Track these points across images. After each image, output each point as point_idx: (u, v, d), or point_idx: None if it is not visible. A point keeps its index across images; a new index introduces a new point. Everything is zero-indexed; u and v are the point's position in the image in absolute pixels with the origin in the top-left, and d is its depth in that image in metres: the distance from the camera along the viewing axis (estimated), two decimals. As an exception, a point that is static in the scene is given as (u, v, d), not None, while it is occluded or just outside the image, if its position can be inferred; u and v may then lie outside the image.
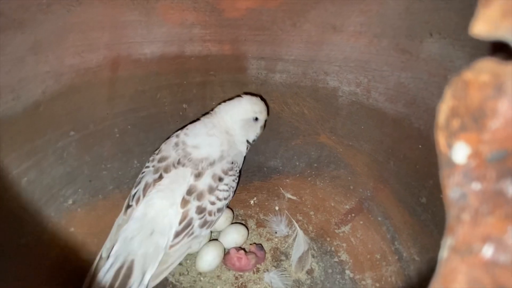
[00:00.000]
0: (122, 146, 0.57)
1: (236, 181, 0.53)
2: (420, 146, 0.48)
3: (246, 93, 0.57)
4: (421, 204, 0.48)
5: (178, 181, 0.47)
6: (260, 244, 0.56)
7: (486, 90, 0.14)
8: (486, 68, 0.15)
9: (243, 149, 0.55)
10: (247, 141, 0.55)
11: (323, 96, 0.57)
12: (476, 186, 0.15)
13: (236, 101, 0.54)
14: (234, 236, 0.54)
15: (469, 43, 0.37)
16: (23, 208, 0.43)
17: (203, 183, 0.47)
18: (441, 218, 0.45)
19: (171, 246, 0.44)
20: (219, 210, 0.49)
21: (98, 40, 0.45)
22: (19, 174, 0.43)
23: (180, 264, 0.53)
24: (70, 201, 0.50)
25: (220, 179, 0.49)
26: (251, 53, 0.56)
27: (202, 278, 0.52)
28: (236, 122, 0.53)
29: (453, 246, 0.15)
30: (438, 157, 0.16)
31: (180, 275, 0.52)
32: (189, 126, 0.54)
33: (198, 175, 0.47)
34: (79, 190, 0.51)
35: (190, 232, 0.45)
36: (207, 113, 0.57)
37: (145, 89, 0.55)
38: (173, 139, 0.52)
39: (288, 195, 0.62)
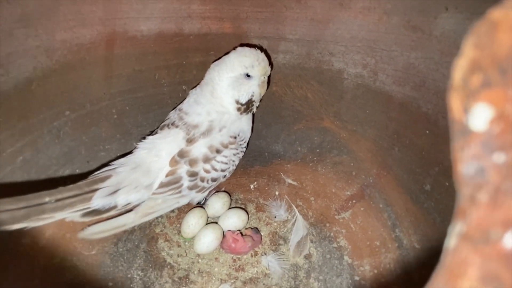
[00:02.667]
0: (120, 128, 0.56)
1: (239, 155, 0.51)
2: (427, 131, 0.46)
3: (243, 45, 0.49)
4: (425, 192, 0.47)
5: (166, 138, 0.47)
6: (256, 227, 0.55)
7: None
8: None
9: (233, 112, 0.48)
10: (237, 102, 0.47)
11: (327, 79, 0.55)
12: (498, 157, 0.12)
13: (225, 56, 0.48)
14: (233, 220, 0.54)
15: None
16: (18, 187, 0.43)
17: (198, 151, 0.46)
18: (445, 206, 0.43)
19: (154, 193, 0.45)
20: (214, 179, 0.49)
21: (91, 15, 0.43)
22: (13, 153, 0.42)
23: (178, 246, 0.53)
24: (68, 182, 0.50)
25: (218, 151, 0.47)
26: (253, 31, 0.53)
27: (200, 260, 0.52)
28: (222, 80, 0.46)
29: (464, 232, 0.12)
30: (450, 126, 0.13)
31: (178, 256, 0.52)
32: (193, 90, 0.52)
33: (190, 141, 0.46)
34: (77, 170, 0.51)
35: (178, 190, 0.46)
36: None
37: (143, 69, 0.53)
38: (179, 105, 0.51)
39: (289, 181, 0.61)
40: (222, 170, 0.49)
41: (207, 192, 0.52)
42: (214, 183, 0.49)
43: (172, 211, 0.56)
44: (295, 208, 0.57)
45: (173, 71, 0.56)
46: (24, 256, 0.42)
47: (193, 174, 0.46)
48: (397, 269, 0.46)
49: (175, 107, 0.52)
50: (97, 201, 0.41)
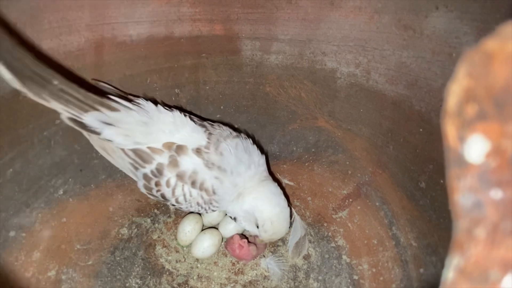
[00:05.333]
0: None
1: (202, 209, 0.47)
2: (420, 129, 0.46)
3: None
4: (420, 189, 0.47)
5: (192, 132, 0.44)
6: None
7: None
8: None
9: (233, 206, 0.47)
10: (232, 218, 0.49)
11: (320, 78, 0.55)
12: (496, 194, 0.11)
13: (271, 207, 0.46)
14: (234, 225, 0.53)
15: (479, 16, 0.34)
16: (9, 200, 0.42)
17: (187, 164, 0.43)
18: (440, 204, 0.44)
19: (125, 150, 0.43)
20: (163, 196, 0.45)
21: (77, 21, 0.42)
22: (2, 165, 0.41)
23: (176, 251, 0.53)
24: (60, 191, 0.49)
25: (194, 184, 0.44)
26: (245, 33, 0.53)
27: (199, 265, 0.52)
28: (244, 209, 0.46)
29: (461, 268, 0.12)
30: (445, 152, 0.13)
31: (177, 262, 0.52)
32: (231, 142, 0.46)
33: (198, 151, 0.44)
34: (70, 179, 0.50)
35: (136, 167, 0.44)
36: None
37: (134, 74, 0.52)
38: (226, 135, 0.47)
39: (285, 181, 0.61)
40: (177, 200, 0.45)
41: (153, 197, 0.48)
42: (161, 198, 0.46)
43: (169, 216, 0.56)
44: (292, 208, 0.57)
45: (165, 75, 0.55)
46: (18, 270, 0.41)
47: (155, 175, 0.43)
48: (395, 267, 0.46)
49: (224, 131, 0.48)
50: (89, 118, 0.40)
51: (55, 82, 0.37)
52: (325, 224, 0.56)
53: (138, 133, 0.43)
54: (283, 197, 0.48)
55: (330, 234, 0.54)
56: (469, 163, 0.12)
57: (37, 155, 0.46)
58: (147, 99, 0.47)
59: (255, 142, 0.51)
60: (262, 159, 0.49)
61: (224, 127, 0.49)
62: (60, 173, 0.49)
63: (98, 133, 0.42)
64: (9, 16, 0.36)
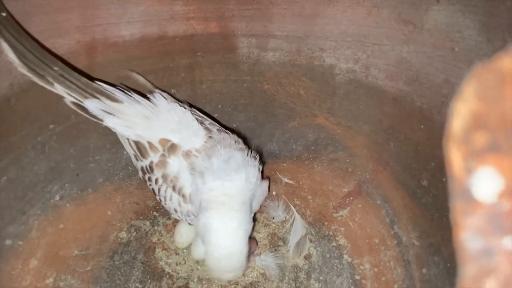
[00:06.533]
0: (109, 137, 0.54)
1: (175, 216, 0.45)
2: (422, 126, 0.45)
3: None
4: (422, 187, 0.46)
5: (194, 133, 0.42)
6: (254, 237, 0.54)
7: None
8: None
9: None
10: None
11: (319, 75, 0.54)
12: (510, 243, 0.10)
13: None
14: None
15: (481, 10, 0.33)
16: (4, 208, 0.42)
17: (175, 170, 0.41)
18: (443, 202, 0.43)
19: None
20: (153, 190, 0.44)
21: (67, 23, 0.41)
22: (-4, 173, 0.40)
23: (176, 254, 0.52)
24: (57, 197, 0.49)
25: (174, 188, 0.42)
26: (240, 30, 0.51)
27: (199, 267, 0.51)
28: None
29: None
30: (449, 181, 0.11)
31: (177, 264, 0.51)
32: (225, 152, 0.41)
33: (187, 155, 0.42)
34: (66, 185, 0.49)
35: (135, 159, 0.44)
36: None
37: (128, 75, 0.51)
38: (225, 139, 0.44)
39: (285, 180, 0.61)
40: (160, 199, 0.44)
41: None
42: (153, 193, 0.45)
43: (168, 218, 0.56)
44: (292, 207, 0.57)
45: (160, 75, 0.54)
46: (15, 279, 0.41)
47: (148, 171, 0.43)
48: (397, 267, 0.45)
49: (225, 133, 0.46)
50: (90, 105, 0.41)
51: (55, 68, 0.39)
52: (326, 223, 0.55)
53: (139, 126, 0.43)
54: (241, 236, 0.40)
55: (331, 233, 0.54)
56: (478, 201, 0.10)
57: (32, 161, 0.45)
58: (163, 94, 0.47)
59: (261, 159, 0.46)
60: (250, 185, 0.41)
61: (232, 136, 0.46)
62: (56, 178, 0.48)
63: (100, 120, 0.42)
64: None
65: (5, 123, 0.41)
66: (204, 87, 0.56)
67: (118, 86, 0.44)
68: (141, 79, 0.51)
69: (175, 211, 0.44)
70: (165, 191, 0.43)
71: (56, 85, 0.39)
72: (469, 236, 0.10)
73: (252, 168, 0.42)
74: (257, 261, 0.51)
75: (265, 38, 0.52)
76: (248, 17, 0.50)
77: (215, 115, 0.59)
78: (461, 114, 0.10)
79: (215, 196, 0.39)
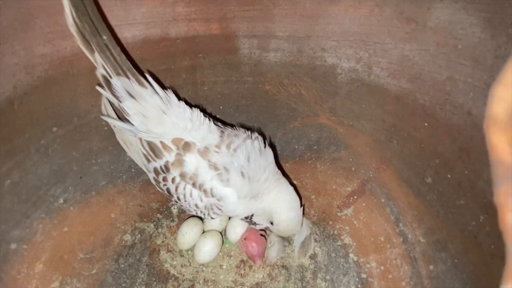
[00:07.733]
0: (112, 139, 0.54)
1: (206, 213, 0.46)
2: (425, 124, 0.45)
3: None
4: (426, 184, 0.46)
5: (208, 132, 0.44)
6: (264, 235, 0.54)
7: None
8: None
9: (239, 204, 0.45)
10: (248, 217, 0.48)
11: (321, 75, 0.54)
12: None
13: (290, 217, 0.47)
14: (240, 229, 0.52)
15: (485, 6, 0.33)
16: (8, 212, 0.41)
17: (191, 165, 0.43)
18: (448, 199, 0.43)
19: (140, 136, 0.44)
20: (169, 191, 0.45)
21: (70, 26, 0.41)
22: (0, 177, 0.40)
23: (181, 256, 0.52)
24: (61, 200, 0.48)
25: (194, 185, 0.43)
26: (242, 31, 0.52)
27: (204, 269, 0.51)
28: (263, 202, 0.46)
29: None
30: (493, 166, 0.11)
31: (182, 266, 0.51)
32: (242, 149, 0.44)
33: (203, 152, 0.43)
34: (70, 188, 0.49)
35: (147, 159, 0.44)
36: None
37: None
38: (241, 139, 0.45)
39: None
40: (178, 198, 0.45)
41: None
42: (167, 193, 0.46)
43: (172, 220, 0.55)
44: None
45: (162, 76, 0.54)
46: (20, 283, 0.41)
47: (163, 171, 0.43)
48: (403, 264, 0.45)
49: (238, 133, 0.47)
50: (117, 83, 0.41)
51: (104, 37, 0.40)
52: (331, 223, 0.55)
53: (153, 118, 0.43)
54: (297, 198, 0.48)
55: (336, 232, 0.54)
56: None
57: (35, 164, 0.45)
58: (175, 92, 0.47)
59: (265, 139, 0.50)
60: (273, 158, 0.49)
61: (240, 129, 0.49)
62: (60, 181, 0.48)
63: (120, 101, 0.42)
64: (0, 23, 0.35)
65: (9, 126, 0.40)
66: (206, 88, 0.57)
67: (146, 74, 0.45)
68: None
69: (196, 206, 0.45)
70: (184, 188, 0.44)
71: (96, 54, 0.39)
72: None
73: (269, 150, 0.48)
74: (271, 253, 0.51)
75: (266, 38, 0.52)
76: (250, 18, 0.50)
77: (217, 117, 0.59)
78: (502, 97, 0.10)
79: (263, 184, 0.45)
